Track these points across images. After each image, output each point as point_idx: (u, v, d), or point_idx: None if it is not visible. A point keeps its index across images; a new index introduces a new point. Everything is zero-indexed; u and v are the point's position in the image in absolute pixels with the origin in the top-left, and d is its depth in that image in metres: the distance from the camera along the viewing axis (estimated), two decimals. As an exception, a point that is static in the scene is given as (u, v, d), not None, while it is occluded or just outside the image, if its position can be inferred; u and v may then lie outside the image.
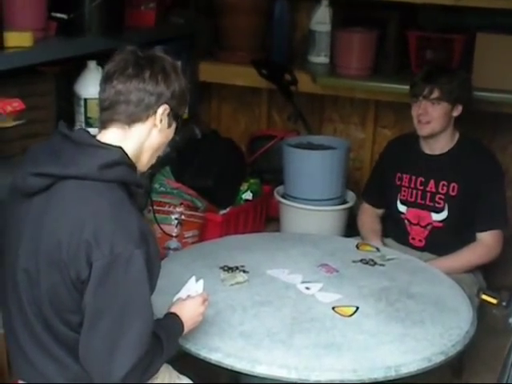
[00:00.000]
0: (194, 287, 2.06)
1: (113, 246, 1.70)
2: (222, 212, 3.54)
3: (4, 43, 2.41)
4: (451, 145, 3.00)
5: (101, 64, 3.01)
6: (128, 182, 1.82)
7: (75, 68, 3.01)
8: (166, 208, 3.36)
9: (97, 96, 2.89)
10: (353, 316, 2.27)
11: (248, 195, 3.69)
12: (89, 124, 3.00)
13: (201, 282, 2.07)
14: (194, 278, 2.08)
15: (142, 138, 1.88)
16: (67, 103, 3.01)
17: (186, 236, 3.36)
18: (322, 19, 3.80)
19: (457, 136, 3.01)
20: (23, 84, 2.60)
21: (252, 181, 3.73)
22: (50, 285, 1.76)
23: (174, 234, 3.34)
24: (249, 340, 2.10)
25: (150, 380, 1.89)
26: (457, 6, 3.42)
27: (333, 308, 2.30)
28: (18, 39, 2.45)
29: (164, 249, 3.25)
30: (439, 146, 2.99)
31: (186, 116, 2.10)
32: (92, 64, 2.99)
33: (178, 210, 3.36)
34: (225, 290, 2.37)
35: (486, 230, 2.94)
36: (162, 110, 1.87)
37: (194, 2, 3.81)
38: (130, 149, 1.85)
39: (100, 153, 1.79)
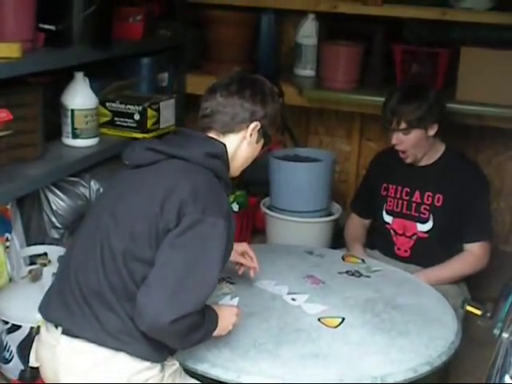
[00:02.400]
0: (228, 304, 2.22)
1: (206, 208, 1.91)
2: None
3: (-8, 54, 2.41)
4: (437, 156, 3.03)
5: (88, 75, 3.03)
6: (220, 176, 2.05)
7: (63, 79, 3.01)
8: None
9: (83, 107, 2.97)
10: (339, 327, 2.28)
11: (234, 207, 3.69)
12: (75, 135, 3.00)
13: (236, 299, 2.23)
14: (228, 297, 2.25)
15: (233, 147, 2.13)
16: (54, 114, 3.01)
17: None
18: (308, 32, 3.83)
19: (442, 148, 3.03)
20: (10, 94, 2.59)
21: (238, 193, 3.73)
22: (134, 233, 1.93)
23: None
24: (235, 350, 2.10)
25: (164, 380, 2.00)
26: (442, 20, 3.46)
27: (319, 319, 2.31)
28: (6, 50, 2.45)
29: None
30: (425, 158, 3.02)
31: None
32: (79, 75, 2.99)
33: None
34: (211, 301, 2.37)
35: (474, 241, 2.96)
36: (254, 125, 2.13)
37: (182, 14, 3.82)
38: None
39: (207, 143, 2.08)
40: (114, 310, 1.92)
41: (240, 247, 2.47)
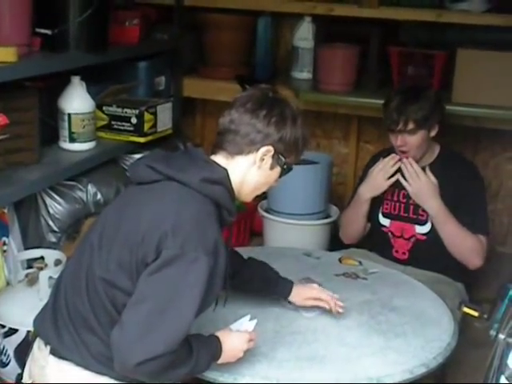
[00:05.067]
0: (245, 325, 2.08)
1: (185, 242, 1.78)
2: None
3: (-12, 58, 2.42)
4: (432, 158, 3.03)
5: (85, 79, 3.03)
6: (220, 203, 1.92)
7: (59, 83, 3.01)
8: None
9: (80, 111, 2.98)
10: (335, 329, 2.28)
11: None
12: (72, 139, 3.01)
13: (254, 321, 2.09)
14: (248, 317, 2.11)
15: (241, 172, 1.98)
16: (51, 118, 3.02)
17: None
18: (304, 35, 3.83)
19: (437, 149, 3.04)
20: (7, 99, 2.60)
21: (236, 195, 3.73)
22: (116, 259, 1.84)
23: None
24: (231, 353, 2.09)
25: None
26: (438, 22, 3.47)
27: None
28: (3, 54, 2.45)
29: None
30: (422, 160, 3.02)
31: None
32: (76, 79, 3.01)
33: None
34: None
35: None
36: (265, 150, 1.97)
37: (178, 18, 3.83)
38: (232, 177, 1.96)
39: (206, 167, 1.93)
40: (97, 335, 1.87)
41: (309, 293, 2.34)
